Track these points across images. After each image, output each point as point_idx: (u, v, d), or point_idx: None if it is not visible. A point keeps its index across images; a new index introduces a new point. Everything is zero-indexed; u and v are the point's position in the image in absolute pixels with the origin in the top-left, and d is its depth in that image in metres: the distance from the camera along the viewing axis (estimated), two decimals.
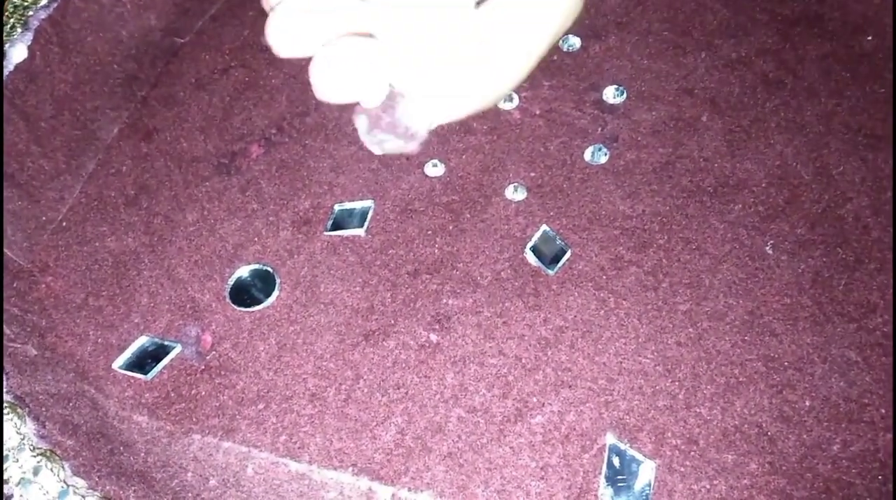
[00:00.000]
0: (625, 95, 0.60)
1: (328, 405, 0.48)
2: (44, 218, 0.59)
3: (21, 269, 0.56)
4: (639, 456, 0.44)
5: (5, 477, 0.45)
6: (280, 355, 0.51)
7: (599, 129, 0.59)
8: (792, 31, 0.62)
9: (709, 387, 0.46)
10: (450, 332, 0.50)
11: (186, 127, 0.64)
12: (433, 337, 0.50)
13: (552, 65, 0.63)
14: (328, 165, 0.60)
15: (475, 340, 0.50)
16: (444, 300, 0.52)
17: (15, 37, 0.58)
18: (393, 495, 0.45)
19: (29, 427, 0.46)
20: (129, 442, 0.48)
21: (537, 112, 0.61)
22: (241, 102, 0.65)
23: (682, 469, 0.44)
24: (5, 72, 0.57)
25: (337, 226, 0.56)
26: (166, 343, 0.52)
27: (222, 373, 0.51)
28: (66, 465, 0.45)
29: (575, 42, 0.64)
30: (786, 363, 0.47)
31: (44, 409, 0.47)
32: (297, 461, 0.47)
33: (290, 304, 0.53)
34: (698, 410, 0.46)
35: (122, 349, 0.52)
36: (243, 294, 0.54)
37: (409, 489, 0.45)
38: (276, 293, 0.54)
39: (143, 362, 0.51)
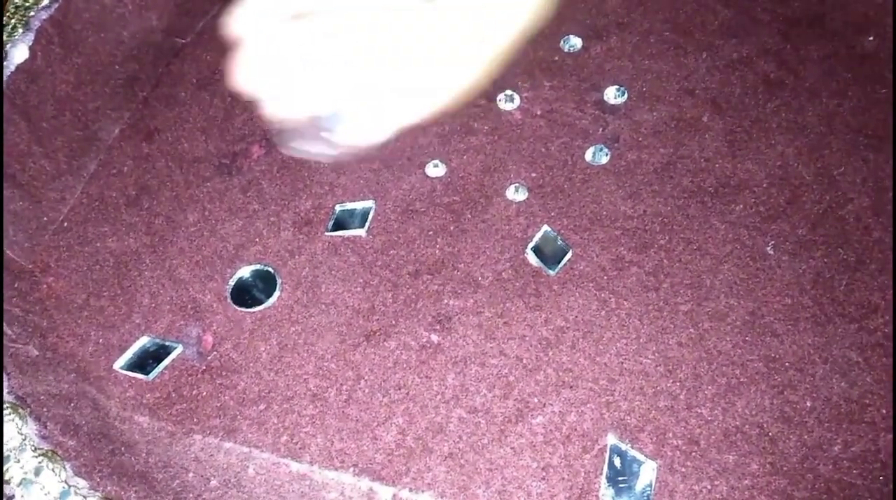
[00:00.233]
0: (626, 96, 0.60)
1: (329, 406, 0.48)
2: (45, 218, 0.59)
3: (22, 269, 0.56)
4: (640, 457, 0.44)
5: (7, 477, 0.45)
6: (281, 356, 0.51)
7: (601, 129, 0.59)
8: (793, 32, 0.62)
9: (710, 387, 0.46)
10: (451, 332, 0.50)
11: (188, 127, 0.64)
12: (434, 338, 0.50)
13: (553, 65, 0.63)
14: (329, 165, 0.60)
15: (476, 340, 0.50)
16: (445, 301, 0.52)
17: (16, 37, 0.58)
18: (394, 495, 0.45)
19: (30, 428, 0.46)
20: (131, 443, 0.48)
21: (538, 113, 0.61)
22: (242, 102, 0.65)
23: (684, 470, 0.44)
24: (6, 72, 0.57)
25: (338, 226, 0.56)
26: (167, 344, 0.52)
27: (223, 373, 0.51)
28: (68, 465, 0.45)
29: (576, 43, 0.64)
30: (787, 364, 0.47)
31: (45, 409, 0.47)
32: (299, 462, 0.47)
33: (292, 304, 0.53)
34: (699, 410, 0.46)
35: (123, 350, 0.52)
36: (244, 295, 0.54)
37: (410, 490, 0.45)
38: (277, 294, 0.54)
39: (144, 362, 0.51)
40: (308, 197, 0.58)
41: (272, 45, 0.33)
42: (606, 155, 0.57)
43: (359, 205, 0.57)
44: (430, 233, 0.55)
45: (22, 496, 0.45)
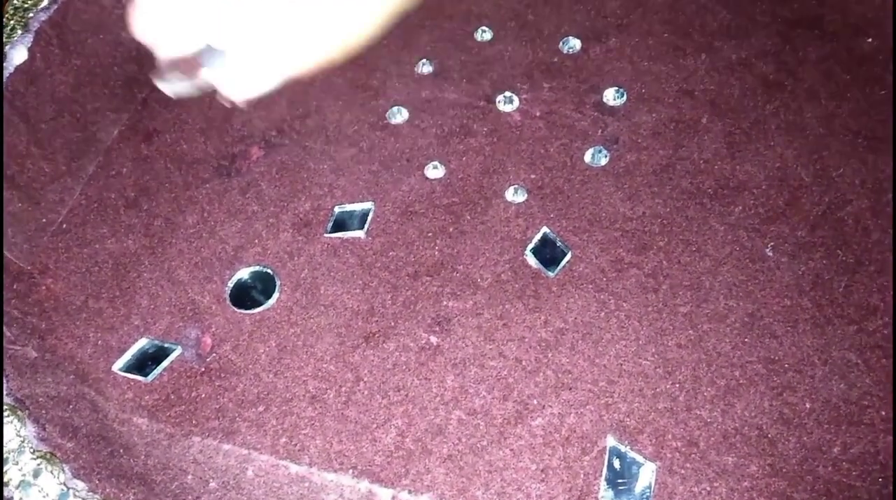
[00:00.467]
0: (625, 97, 0.60)
1: (328, 408, 0.48)
2: (44, 220, 0.59)
3: (21, 271, 0.56)
4: (639, 458, 0.44)
5: (5, 480, 0.45)
6: (280, 358, 0.51)
7: (600, 131, 0.59)
8: (792, 33, 0.62)
9: (709, 389, 0.46)
10: (450, 334, 0.50)
11: (187, 129, 0.64)
12: (433, 339, 0.50)
13: (552, 67, 0.64)
14: (328, 166, 0.60)
15: (475, 342, 0.50)
16: (445, 302, 0.52)
17: (15, 39, 0.58)
18: (393, 497, 0.45)
19: (29, 430, 0.46)
20: (130, 445, 0.48)
21: (537, 114, 0.61)
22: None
23: (683, 471, 0.44)
24: (5, 74, 0.57)
25: (337, 228, 0.56)
26: (166, 345, 0.52)
27: (222, 375, 0.51)
28: (67, 467, 0.44)
29: (575, 44, 0.64)
30: (786, 365, 0.47)
31: (44, 411, 0.47)
32: (298, 464, 0.47)
33: (291, 306, 0.53)
34: (699, 412, 0.46)
35: (122, 351, 0.52)
36: (244, 296, 0.54)
37: (410, 492, 0.45)
38: (276, 295, 0.54)
39: (143, 364, 0.51)
40: (307, 198, 0.58)
41: None
42: (605, 156, 0.57)
43: (358, 206, 0.57)
44: (430, 234, 0.55)
45: (21, 499, 0.45)
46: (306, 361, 0.51)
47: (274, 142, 0.62)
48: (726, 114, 0.58)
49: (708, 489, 0.43)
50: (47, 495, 0.45)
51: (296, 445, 0.47)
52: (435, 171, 0.58)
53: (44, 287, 0.56)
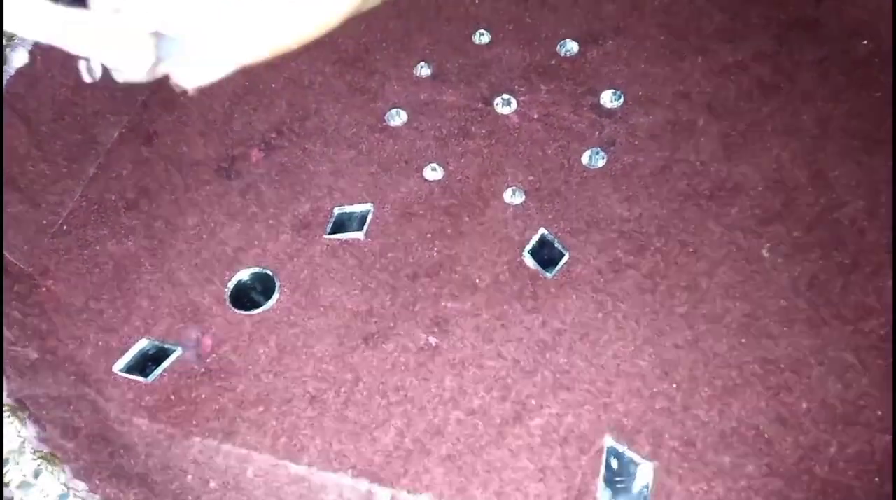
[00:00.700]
0: (622, 100, 0.61)
1: (328, 408, 0.49)
2: (44, 222, 0.59)
3: (22, 272, 0.57)
4: (637, 458, 0.44)
5: (6, 480, 0.46)
6: (280, 358, 0.51)
7: (597, 133, 0.59)
8: (788, 36, 0.63)
9: (706, 389, 0.47)
10: (448, 335, 0.51)
11: (187, 131, 0.65)
12: (432, 340, 0.51)
13: (550, 69, 0.64)
14: (328, 168, 0.60)
15: (474, 342, 0.50)
16: (443, 303, 0.52)
17: (16, 41, 0.58)
18: (392, 497, 0.45)
19: (30, 430, 0.46)
20: (130, 445, 0.48)
21: (535, 116, 0.61)
22: (241, 106, 0.65)
23: (680, 471, 0.44)
24: (6, 76, 0.57)
25: (337, 229, 0.57)
26: (167, 346, 0.52)
27: (222, 376, 0.51)
28: (67, 468, 0.45)
29: (573, 47, 0.65)
30: (783, 366, 0.47)
31: (44, 412, 0.47)
32: (297, 464, 0.47)
33: (290, 307, 0.53)
34: (696, 412, 0.46)
35: (122, 352, 0.52)
36: (243, 297, 0.54)
37: (409, 492, 0.45)
38: (276, 296, 0.54)
39: (143, 365, 0.52)
40: (307, 200, 0.59)
41: None
42: (603, 158, 0.57)
43: (357, 208, 0.57)
44: (428, 236, 0.55)
45: (21, 499, 0.45)
46: (306, 361, 0.51)
47: (274, 144, 0.63)
48: (723, 116, 0.59)
49: (705, 488, 0.43)
50: (48, 495, 0.45)
51: (295, 445, 0.47)
52: (433, 173, 0.59)
53: (44, 289, 0.56)
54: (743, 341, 0.48)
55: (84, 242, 0.59)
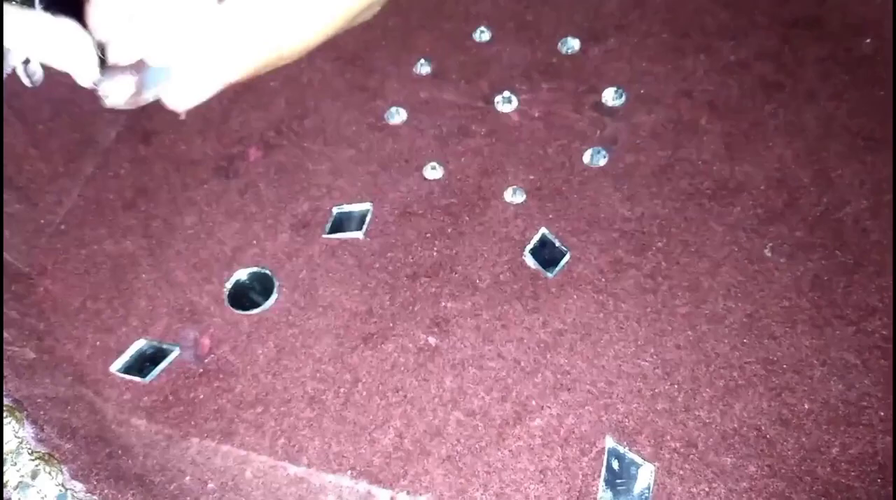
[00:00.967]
0: (624, 98, 0.60)
1: (327, 409, 0.48)
2: (42, 221, 0.59)
3: (19, 272, 0.56)
4: (638, 459, 0.44)
5: (4, 481, 0.45)
6: (279, 359, 0.51)
7: (598, 131, 0.59)
8: (791, 34, 0.62)
9: (708, 390, 0.46)
10: (448, 335, 0.50)
11: (185, 130, 0.64)
12: (432, 340, 0.50)
13: (551, 67, 0.64)
14: (327, 167, 0.60)
15: (474, 343, 0.50)
16: (443, 303, 0.52)
17: None
18: (392, 498, 0.45)
19: (27, 431, 0.46)
20: (128, 446, 0.48)
21: (536, 115, 0.61)
22: (239, 104, 0.65)
23: (681, 472, 0.44)
24: (4, 74, 0.57)
25: (336, 229, 0.56)
26: (164, 347, 0.52)
27: (221, 376, 0.51)
28: (65, 469, 0.44)
29: (574, 44, 0.64)
30: (785, 366, 0.47)
31: (42, 412, 0.47)
32: (296, 465, 0.47)
33: (289, 307, 0.53)
34: (697, 413, 0.46)
35: (120, 353, 0.52)
36: (242, 297, 0.54)
37: (408, 493, 0.45)
38: (274, 296, 0.54)
39: (141, 365, 0.51)
40: (305, 199, 0.58)
41: None
42: (604, 157, 0.57)
43: (356, 207, 0.57)
44: (428, 235, 0.55)
45: None
46: (305, 362, 0.51)
47: (272, 143, 0.62)
48: (725, 115, 0.58)
49: (706, 489, 0.43)
50: (45, 496, 0.45)
51: (294, 446, 0.47)
52: (433, 171, 0.58)
53: (42, 288, 0.56)
54: (745, 341, 0.48)
55: (82, 241, 0.59)
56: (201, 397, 0.50)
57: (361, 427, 0.47)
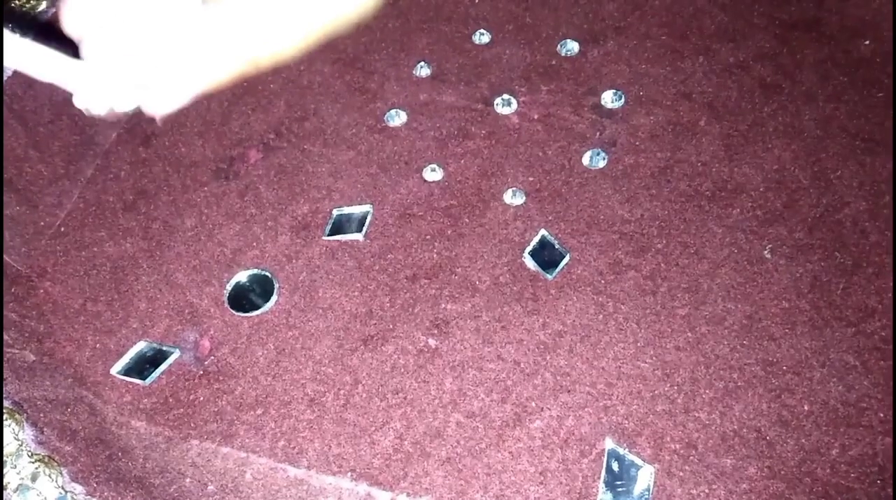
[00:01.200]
0: (623, 100, 0.60)
1: (327, 411, 0.48)
2: (42, 223, 0.59)
3: (19, 274, 0.56)
4: (638, 461, 0.44)
5: (4, 483, 0.45)
6: (279, 361, 0.51)
7: (598, 133, 0.59)
8: (790, 36, 0.62)
9: (707, 391, 0.46)
10: (448, 337, 0.50)
11: (185, 132, 0.64)
12: (432, 342, 0.50)
13: (550, 70, 0.64)
14: (327, 169, 0.60)
15: (474, 345, 0.50)
16: (443, 305, 0.52)
17: None
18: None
19: (27, 433, 0.46)
20: (128, 448, 0.48)
21: (536, 117, 0.61)
22: (239, 106, 0.65)
23: (681, 474, 0.44)
24: (4, 77, 0.57)
25: (336, 231, 0.56)
26: (165, 349, 0.52)
27: (221, 378, 0.51)
28: (65, 471, 0.44)
29: (573, 47, 0.64)
30: (784, 368, 0.47)
31: (42, 415, 0.47)
32: (296, 467, 0.47)
33: (289, 309, 0.53)
34: (697, 414, 0.46)
35: (120, 355, 0.52)
36: (242, 299, 0.54)
37: (408, 495, 0.45)
38: (274, 298, 0.54)
39: (141, 367, 0.51)
40: (305, 201, 0.58)
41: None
42: (604, 159, 0.57)
43: (356, 209, 0.57)
44: (428, 237, 0.55)
45: None
46: (304, 364, 0.51)
47: (272, 145, 0.62)
48: (724, 116, 0.58)
49: (706, 491, 0.43)
50: (45, 498, 0.45)
51: (294, 448, 0.47)
52: (433, 173, 0.58)
53: (42, 291, 0.56)
54: (744, 342, 0.48)
55: (82, 243, 0.59)
56: (201, 399, 0.50)
57: (361, 429, 0.47)
